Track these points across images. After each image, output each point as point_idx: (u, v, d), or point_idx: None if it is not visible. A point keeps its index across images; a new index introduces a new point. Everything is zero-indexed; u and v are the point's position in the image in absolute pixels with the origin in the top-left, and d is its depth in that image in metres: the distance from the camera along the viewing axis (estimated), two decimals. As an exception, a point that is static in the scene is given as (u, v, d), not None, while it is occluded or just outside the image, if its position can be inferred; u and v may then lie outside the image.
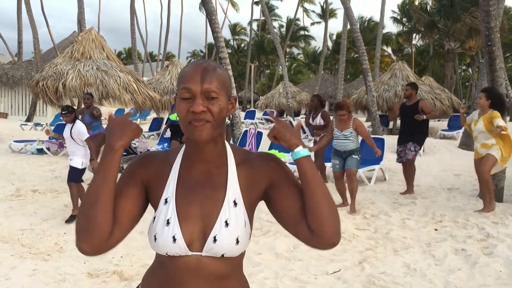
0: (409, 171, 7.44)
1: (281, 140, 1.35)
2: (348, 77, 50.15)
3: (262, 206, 1.45)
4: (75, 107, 9.01)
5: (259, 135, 11.29)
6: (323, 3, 45.10)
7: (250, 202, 1.34)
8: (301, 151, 1.32)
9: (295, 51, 61.86)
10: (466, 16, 28.63)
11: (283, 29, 54.63)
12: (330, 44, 50.88)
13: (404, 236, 5.34)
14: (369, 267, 4.31)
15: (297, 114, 29.30)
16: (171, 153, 1.41)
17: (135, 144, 10.68)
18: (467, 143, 13.09)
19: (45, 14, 31.29)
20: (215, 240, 1.26)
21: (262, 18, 50.47)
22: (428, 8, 35.27)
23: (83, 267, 4.31)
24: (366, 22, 48.19)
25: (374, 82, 18.83)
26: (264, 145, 11.32)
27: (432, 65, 43.28)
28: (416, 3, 40.17)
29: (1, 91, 25.50)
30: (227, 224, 1.27)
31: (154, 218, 1.32)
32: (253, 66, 47.76)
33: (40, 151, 12.05)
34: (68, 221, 5.82)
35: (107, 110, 28.51)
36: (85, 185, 6.31)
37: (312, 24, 57.55)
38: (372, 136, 12.07)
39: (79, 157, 6.08)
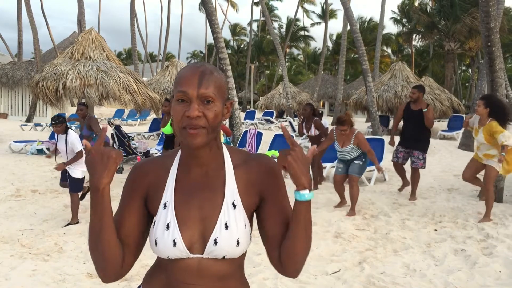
0: (415, 177, 7.30)
1: (290, 174, 1.28)
2: (348, 77, 50.20)
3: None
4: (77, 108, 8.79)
5: (259, 135, 11.30)
6: (323, 3, 45.15)
7: (248, 204, 1.34)
8: (306, 194, 1.28)
9: (295, 51, 61.92)
10: (466, 17, 28.67)
11: (283, 30, 54.66)
12: (330, 44, 50.94)
13: (403, 236, 5.35)
14: (369, 268, 4.32)
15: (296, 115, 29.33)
16: (167, 157, 1.41)
17: (135, 144, 10.68)
18: (467, 144, 13.11)
19: (45, 15, 31.36)
20: (215, 242, 1.26)
21: (262, 18, 50.47)
22: (428, 8, 35.27)
23: (83, 268, 4.31)
24: (366, 23, 48.21)
25: (374, 83, 18.85)
26: (264, 146, 11.33)
27: (432, 66, 43.28)
28: (416, 3, 40.23)
29: (1, 91, 25.50)
30: (227, 227, 1.27)
31: (154, 222, 1.33)
32: (253, 66, 47.80)
33: (40, 152, 12.05)
34: (65, 226, 5.76)
35: (107, 110, 28.59)
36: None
37: (312, 24, 57.61)
38: (372, 136, 12.10)
39: (79, 166, 5.92)
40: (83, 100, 10.78)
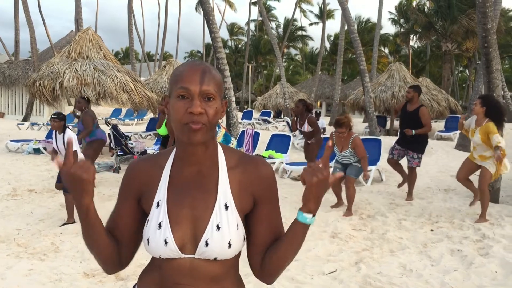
0: (411, 177, 7.33)
1: (305, 193, 1.29)
2: (345, 77, 50.26)
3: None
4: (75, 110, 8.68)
5: (256, 135, 11.30)
6: (321, 4, 45.19)
7: (242, 206, 1.33)
8: (308, 218, 1.29)
9: (293, 51, 61.96)
10: (463, 18, 28.74)
11: (281, 30, 54.66)
12: (327, 44, 50.94)
13: (400, 236, 5.36)
14: (365, 268, 4.32)
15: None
16: (162, 155, 1.41)
17: (132, 144, 10.67)
18: (463, 144, 13.13)
19: (42, 14, 31.30)
20: (206, 244, 1.26)
21: (260, 18, 50.48)
22: (426, 9, 35.35)
23: (79, 267, 4.30)
24: (364, 23, 48.26)
25: (372, 83, 18.87)
26: (261, 145, 11.34)
27: (429, 66, 43.40)
28: (414, 4, 40.29)
29: (-3, 90, 25.43)
30: (218, 228, 1.26)
31: (148, 221, 1.33)
32: (250, 66, 47.79)
33: (36, 151, 12.02)
34: (61, 226, 5.74)
35: (104, 110, 28.53)
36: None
37: (310, 24, 57.66)
38: (369, 137, 12.10)
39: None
40: (84, 95, 10.73)
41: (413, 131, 6.92)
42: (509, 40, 34.79)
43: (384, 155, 9.53)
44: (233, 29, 61.29)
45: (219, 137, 6.84)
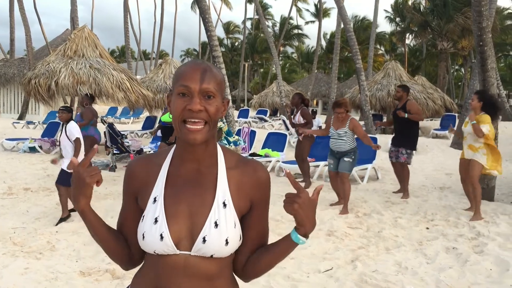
0: (402, 174, 7.43)
1: (298, 219, 1.29)
2: (341, 76, 50.26)
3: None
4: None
5: (252, 134, 11.31)
6: (317, 2, 45.17)
7: (240, 206, 1.34)
8: (301, 240, 1.32)
9: (289, 50, 61.92)
10: (458, 16, 28.81)
11: (277, 28, 54.62)
12: (323, 43, 50.95)
13: (396, 234, 5.38)
14: (361, 266, 4.34)
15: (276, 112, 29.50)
16: (159, 154, 1.42)
17: (128, 142, 10.65)
18: (459, 143, 13.15)
19: (38, 12, 31.15)
20: (204, 240, 1.26)
21: (256, 17, 50.42)
22: (421, 8, 35.41)
23: (75, 266, 4.30)
24: (360, 22, 48.27)
25: (367, 81, 18.90)
26: (258, 144, 11.35)
27: (425, 65, 43.46)
28: (410, 2, 40.33)
29: (-7, 88, 25.33)
30: (216, 225, 1.27)
31: (143, 216, 1.33)
32: (247, 64, 47.76)
33: (32, 149, 11.99)
34: (57, 224, 5.73)
35: (100, 108, 28.49)
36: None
37: (307, 23, 57.55)
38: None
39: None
40: (89, 92, 10.80)
41: (406, 114, 7.18)
42: (504, 38, 34.87)
43: (380, 154, 9.57)
44: (229, 27, 61.18)
45: (225, 127, 6.90)
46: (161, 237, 1.27)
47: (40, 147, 12.00)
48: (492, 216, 6.09)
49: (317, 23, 46.38)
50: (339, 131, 6.47)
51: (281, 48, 54.75)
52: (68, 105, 6.30)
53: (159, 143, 11.69)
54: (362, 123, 17.81)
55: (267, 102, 29.11)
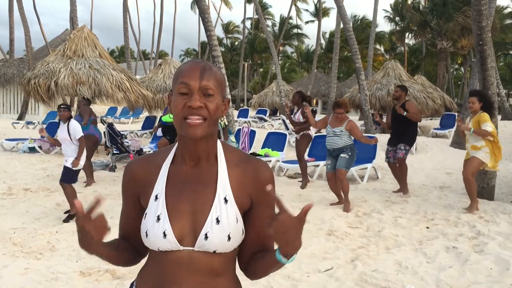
0: (400, 170, 7.45)
1: (275, 237, 1.20)
2: (341, 75, 50.27)
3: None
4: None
5: (252, 133, 11.30)
6: (317, 2, 45.17)
7: (241, 203, 1.34)
8: (283, 260, 1.24)
9: (289, 49, 61.90)
10: (458, 16, 28.79)
11: (276, 28, 54.61)
12: (323, 42, 50.95)
13: (396, 234, 5.38)
14: (361, 265, 4.34)
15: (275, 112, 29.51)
16: (159, 154, 1.43)
17: (128, 142, 10.64)
18: (459, 142, 13.17)
19: (37, 12, 31.13)
20: (206, 237, 1.27)
21: (256, 16, 50.42)
22: (421, 7, 35.40)
23: (75, 266, 4.30)
24: (359, 21, 48.28)
25: (367, 81, 18.90)
26: (257, 144, 11.34)
27: (425, 64, 43.42)
28: (409, 2, 40.32)
29: (-8, 89, 25.32)
30: (218, 221, 1.28)
31: (146, 214, 1.34)
32: (246, 64, 47.74)
33: (32, 150, 11.98)
34: (66, 220, 5.76)
35: (100, 108, 28.47)
36: (78, 184, 6.27)
37: (306, 22, 57.59)
38: (365, 134, 12.13)
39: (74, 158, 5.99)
40: (84, 95, 10.86)
41: (404, 112, 7.24)
42: (504, 37, 34.90)
43: (380, 153, 9.57)
44: (228, 27, 61.16)
45: (223, 121, 6.90)
46: (164, 235, 1.28)
47: (40, 147, 11.99)
48: (492, 215, 6.09)
49: (316, 22, 46.36)
50: (335, 129, 6.51)
51: (281, 48, 54.74)
52: (67, 104, 6.33)
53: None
54: (361, 122, 17.83)
55: (266, 101, 29.10)
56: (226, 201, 1.31)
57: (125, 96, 12.02)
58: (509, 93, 44.28)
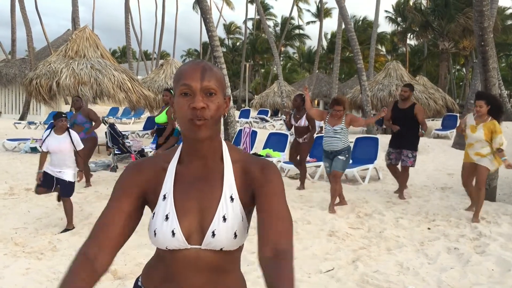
0: (403, 175, 7.30)
1: None
2: (342, 76, 50.27)
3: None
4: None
5: (253, 134, 11.30)
6: (318, 2, 45.18)
7: (245, 201, 1.36)
8: None
9: (290, 50, 61.89)
10: (460, 16, 28.76)
11: (278, 28, 54.62)
12: (325, 43, 50.94)
13: (397, 235, 5.37)
14: (362, 266, 4.33)
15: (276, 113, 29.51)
16: (165, 154, 1.44)
17: (129, 143, 10.65)
18: (460, 143, 13.16)
19: (39, 12, 31.19)
20: (213, 235, 1.29)
21: (257, 17, 50.44)
22: (423, 8, 35.37)
23: (76, 266, 4.29)
24: (361, 22, 48.25)
25: (369, 82, 18.91)
26: (259, 144, 11.34)
27: (426, 65, 43.39)
28: (411, 3, 40.29)
29: (-6, 89, 25.37)
30: (224, 219, 1.30)
31: (154, 214, 1.35)
32: (248, 65, 47.76)
33: (33, 150, 12.00)
34: (62, 232, 5.52)
35: (101, 108, 28.52)
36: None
37: (308, 23, 57.58)
38: (366, 135, 12.13)
39: (71, 169, 5.63)
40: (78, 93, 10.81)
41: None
42: (505, 38, 34.85)
43: (381, 154, 9.55)
44: (230, 27, 61.20)
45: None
46: (173, 234, 1.29)
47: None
48: (493, 216, 6.08)
49: (318, 23, 46.36)
50: (336, 127, 6.38)
51: (282, 49, 54.73)
52: (63, 112, 5.87)
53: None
54: (363, 123, 17.87)
55: (268, 102, 29.13)
56: (232, 199, 1.33)
57: (127, 96, 12.04)
58: (510, 94, 44.21)
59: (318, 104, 42.79)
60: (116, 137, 10.17)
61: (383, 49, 50.95)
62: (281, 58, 52.81)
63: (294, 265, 1.19)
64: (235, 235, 1.30)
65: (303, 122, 7.90)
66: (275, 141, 11.05)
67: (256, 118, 24.75)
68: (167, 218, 1.31)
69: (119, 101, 12.15)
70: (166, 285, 1.36)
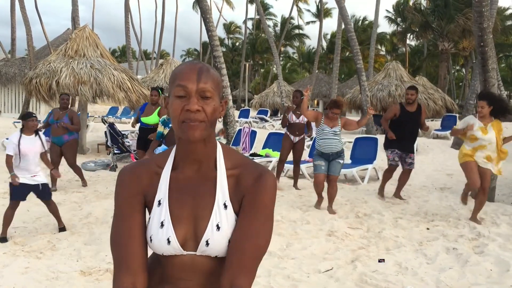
0: (405, 178, 7.29)
1: None
2: (342, 76, 50.24)
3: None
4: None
5: (253, 134, 11.31)
6: (318, 2, 45.18)
7: (236, 208, 1.33)
8: None
9: (290, 50, 61.91)
10: (459, 17, 28.79)
11: (278, 28, 54.62)
12: (324, 43, 50.94)
13: (396, 235, 5.38)
14: (361, 266, 4.34)
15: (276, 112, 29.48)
16: (155, 159, 1.40)
17: (129, 142, 10.66)
18: (460, 143, 13.14)
19: (39, 11, 31.14)
20: (207, 243, 1.28)
21: (257, 17, 50.44)
22: (422, 8, 35.39)
23: (76, 265, 4.30)
24: (360, 22, 48.27)
25: (368, 82, 18.91)
26: (258, 144, 11.35)
27: (426, 65, 43.45)
28: (411, 3, 40.32)
29: (-6, 88, 25.36)
30: (218, 228, 1.29)
31: (149, 219, 1.35)
32: (247, 65, 47.75)
33: (33, 149, 11.97)
34: (60, 231, 5.50)
35: (101, 108, 28.51)
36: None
37: (308, 23, 57.59)
38: (365, 135, 12.13)
39: (43, 170, 5.53)
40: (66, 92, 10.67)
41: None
42: (505, 39, 34.87)
43: (381, 154, 9.56)
44: (230, 27, 61.20)
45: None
46: (168, 241, 1.29)
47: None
48: (492, 216, 6.09)
49: (318, 23, 46.36)
50: (335, 129, 6.35)
51: (282, 48, 54.74)
52: (33, 112, 5.67)
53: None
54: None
55: (267, 102, 29.14)
56: (225, 206, 1.31)
57: (126, 96, 12.03)
58: (510, 95, 44.25)
59: (317, 104, 42.81)
60: (115, 136, 10.18)
61: (383, 49, 50.98)
62: (281, 58, 52.79)
63: None
64: (229, 242, 1.29)
65: (301, 117, 7.87)
66: (275, 141, 11.06)
67: (255, 118, 24.74)
68: (162, 225, 1.30)
69: (119, 101, 12.14)
70: (162, 286, 1.37)
